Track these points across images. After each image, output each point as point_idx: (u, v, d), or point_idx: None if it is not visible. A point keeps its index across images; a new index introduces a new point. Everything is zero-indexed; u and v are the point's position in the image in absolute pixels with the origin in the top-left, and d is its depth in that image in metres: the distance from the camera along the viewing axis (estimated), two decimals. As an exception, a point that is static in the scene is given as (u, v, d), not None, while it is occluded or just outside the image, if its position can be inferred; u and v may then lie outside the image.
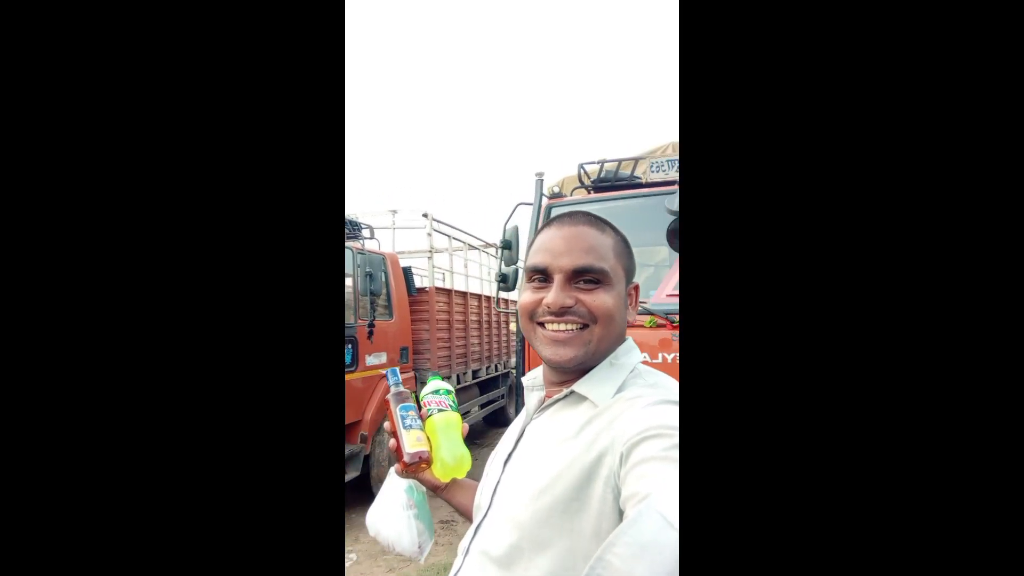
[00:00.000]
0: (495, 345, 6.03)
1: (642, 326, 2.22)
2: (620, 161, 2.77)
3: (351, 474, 3.45)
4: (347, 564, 2.92)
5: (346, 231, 3.83)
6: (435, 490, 0.83)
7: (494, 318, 6.02)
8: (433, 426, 0.80)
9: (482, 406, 5.51)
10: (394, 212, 5.02)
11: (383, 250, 4.26)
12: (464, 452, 0.79)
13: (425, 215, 4.60)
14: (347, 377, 3.35)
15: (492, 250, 6.53)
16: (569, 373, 0.65)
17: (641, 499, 0.46)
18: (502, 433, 0.79)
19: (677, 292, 2.34)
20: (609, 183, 2.76)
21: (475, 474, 0.78)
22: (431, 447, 0.78)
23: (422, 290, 4.50)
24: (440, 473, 0.78)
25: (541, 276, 0.65)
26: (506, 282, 2.80)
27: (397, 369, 0.89)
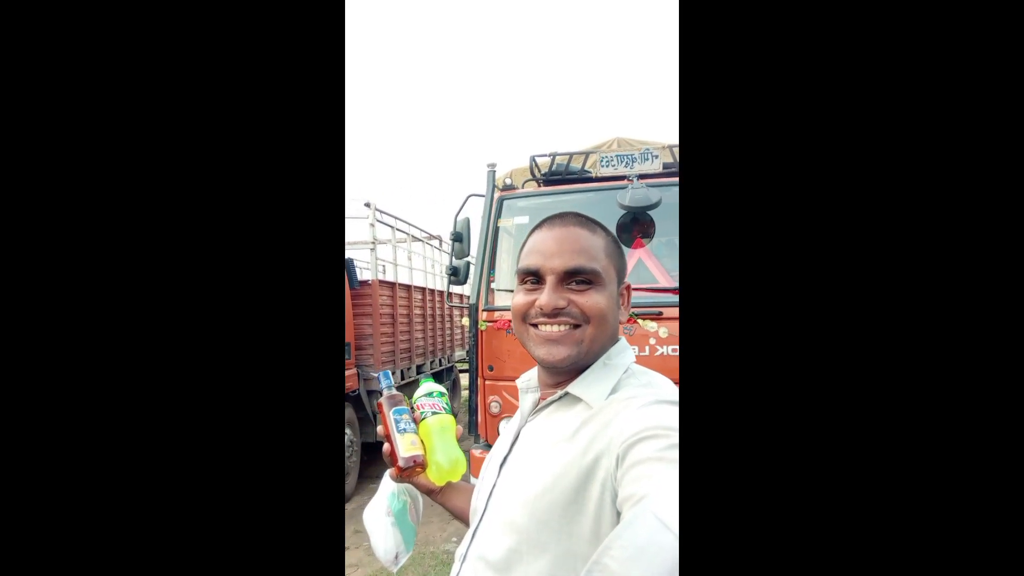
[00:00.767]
0: (439, 339, 5.95)
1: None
2: (571, 155, 2.78)
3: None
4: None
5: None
6: (430, 494, 0.81)
7: (438, 312, 5.92)
8: (427, 429, 0.78)
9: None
10: (334, 201, 4.76)
11: (323, 241, 4.04)
12: (459, 455, 0.77)
13: (367, 205, 4.42)
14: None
15: (436, 242, 6.41)
16: (563, 374, 0.65)
17: (637, 501, 0.46)
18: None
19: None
20: (560, 176, 2.77)
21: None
22: (426, 451, 0.76)
23: (364, 283, 4.33)
24: (435, 477, 0.77)
25: (533, 278, 0.65)
26: (457, 275, 2.75)
27: (389, 372, 0.87)
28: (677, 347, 2.26)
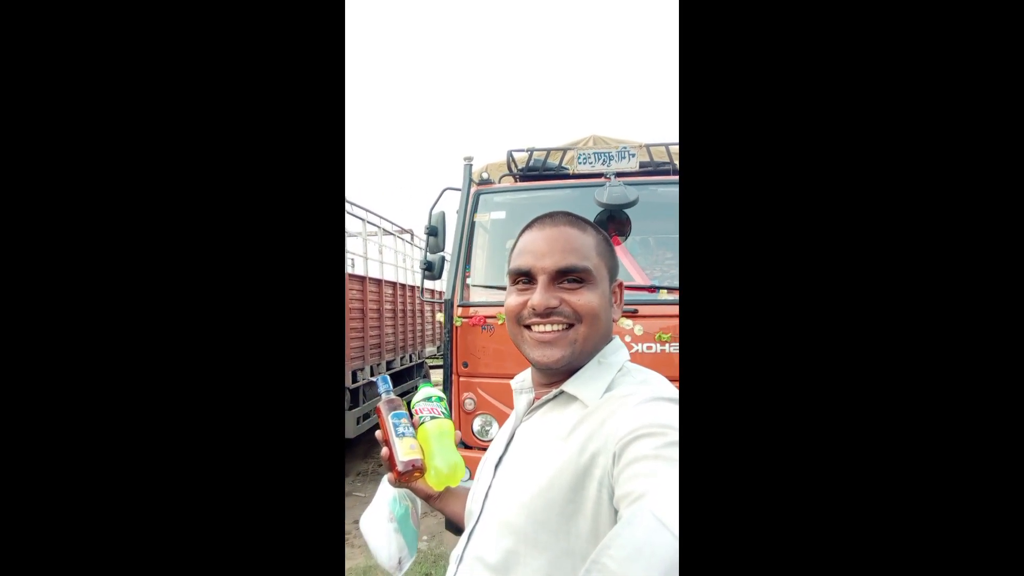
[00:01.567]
0: (410, 335, 5.87)
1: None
2: (549, 150, 2.77)
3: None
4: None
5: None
6: (428, 499, 0.80)
7: (409, 307, 5.84)
8: (426, 434, 0.77)
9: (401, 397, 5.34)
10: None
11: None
12: (458, 460, 0.76)
13: (338, 197, 4.31)
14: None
15: (408, 236, 6.31)
16: (557, 374, 0.65)
17: (635, 499, 0.46)
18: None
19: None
20: (537, 172, 2.75)
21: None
22: (424, 455, 0.76)
23: (334, 277, 4.22)
24: (434, 482, 0.76)
25: (525, 278, 0.65)
26: (431, 270, 2.70)
27: (387, 376, 0.84)
28: (652, 344, 2.28)
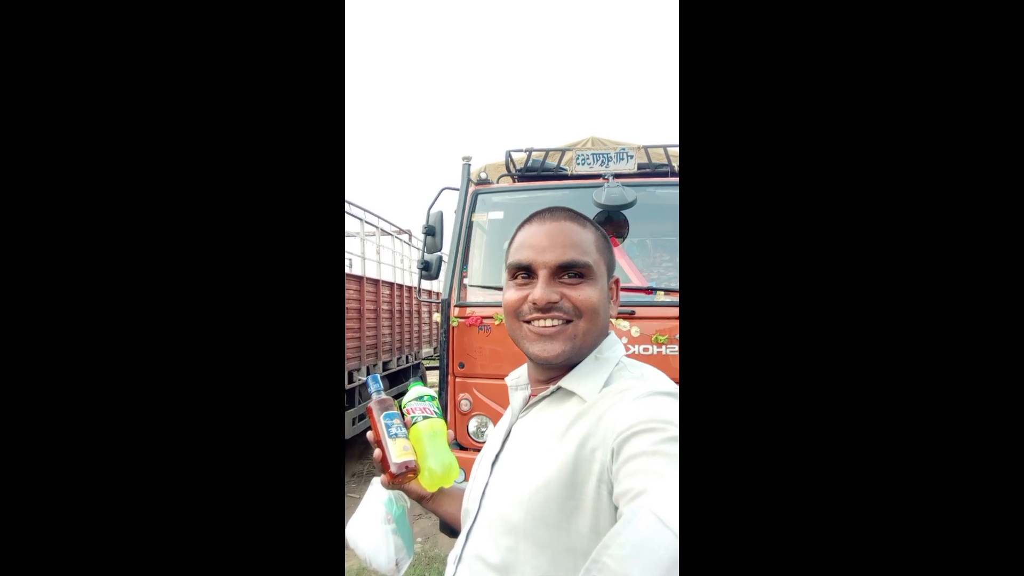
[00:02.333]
0: (407, 335, 5.85)
1: None
2: (547, 151, 2.76)
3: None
4: None
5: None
6: (421, 501, 0.79)
7: (406, 308, 5.83)
8: (419, 434, 0.76)
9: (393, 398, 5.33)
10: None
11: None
12: (452, 460, 0.76)
13: (335, 196, 4.30)
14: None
15: (406, 236, 6.30)
16: (555, 369, 0.65)
17: (634, 496, 0.46)
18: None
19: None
20: (536, 172, 2.75)
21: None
22: (418, 456, 0.74)
23: (331, 276, 4.21)
24: (428, 483, 0.75)
25: (525, 273, 0.65)
26: (429, 270, 2.69)
27: (378, 376, 0.83)
28: (649, 346, 2.27)
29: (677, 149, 2.69)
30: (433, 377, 6.21)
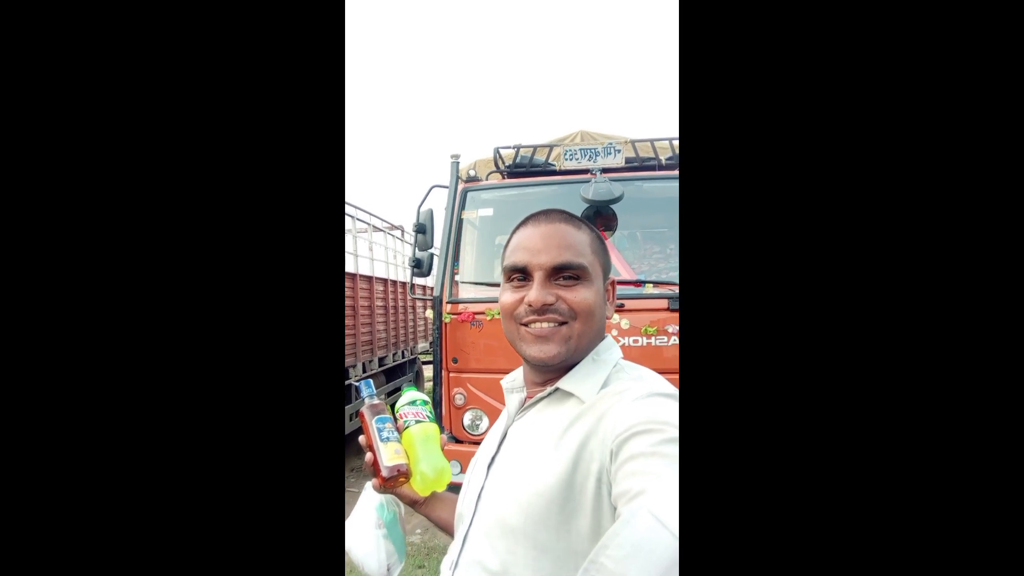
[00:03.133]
0: (401, 331, 5.88)
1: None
2: (535, 147, 2.79)
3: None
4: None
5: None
6: (413, 505, 0.79)
7: (400, 303, 5.85)
8: (411, 438, 0.76)
9: (388, 394, 5.36)
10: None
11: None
12: (444, 464, 0.75)
13: (327, 194, 4.30)
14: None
15: (399, 233, 6.31)
16: (552, 371, 0.65)
17: (632, 497, 0.46)
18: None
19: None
20: (524, 168, 2.77)
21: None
22: (409, 460, 0.74)
23: (324, 274, 4.22)
24: (420, 487, 0.75)
25: (520, 275, 0.65)
26: (420, 267, 2.72)
27: (371, 381, 0.82)
28: (639, 338, 2.32)
29: (664, 142, 2.73)
30: (429, 372, 6.24)
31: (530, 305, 0.63)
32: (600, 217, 2.53)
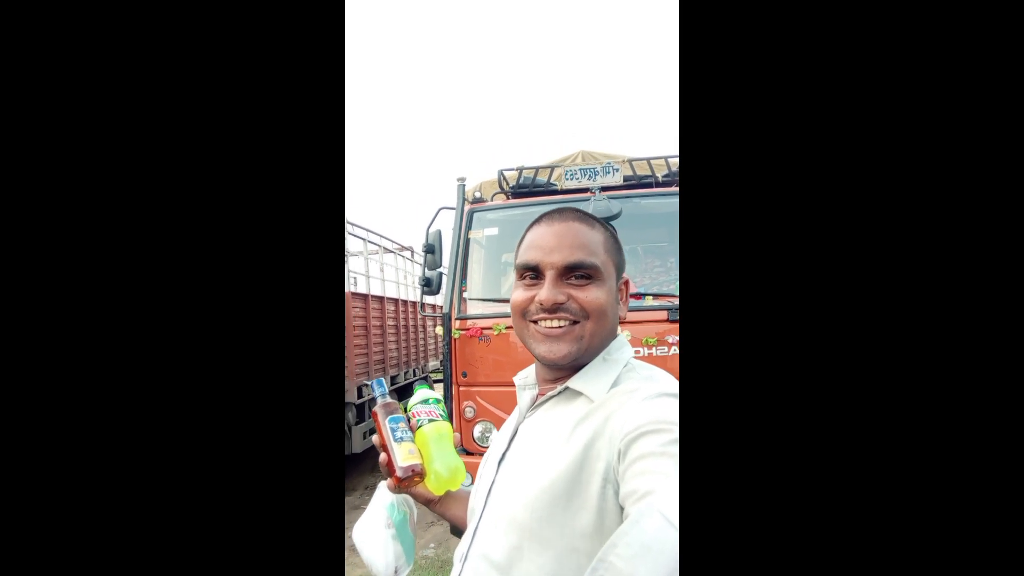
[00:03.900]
0: (412, 350, 5.97)
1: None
2: (537, 168, 2.91)
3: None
4: None
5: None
6: (429, 504, 0.79)
7: (411, 322, 5.96)
8: (424, 437, 0.76)
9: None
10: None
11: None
12: (459, 463, 0.75)
13: (339, 218, 4.46)
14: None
15: (408, 253, 6.46)
16: (562, 370, 0.65)
17: (640, 496, 0.46)
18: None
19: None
20: (527, 189, 2.89)
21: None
22: (424, 459, 0.74)
23: (337, 295, 4.35)
24: (434, 486, 0.74)
25: (532, 273, 0.65)
26: (430, 286, 2.83)
27: (383, 380, 0.83)
28: (639, 348, 2.40)
29: (661, 160, 2.84)
30: (441, 389, 6.29)
31: (541, 304, 0.62)
32: (601, 233, 2.63)
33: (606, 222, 0.67)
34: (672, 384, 0.60)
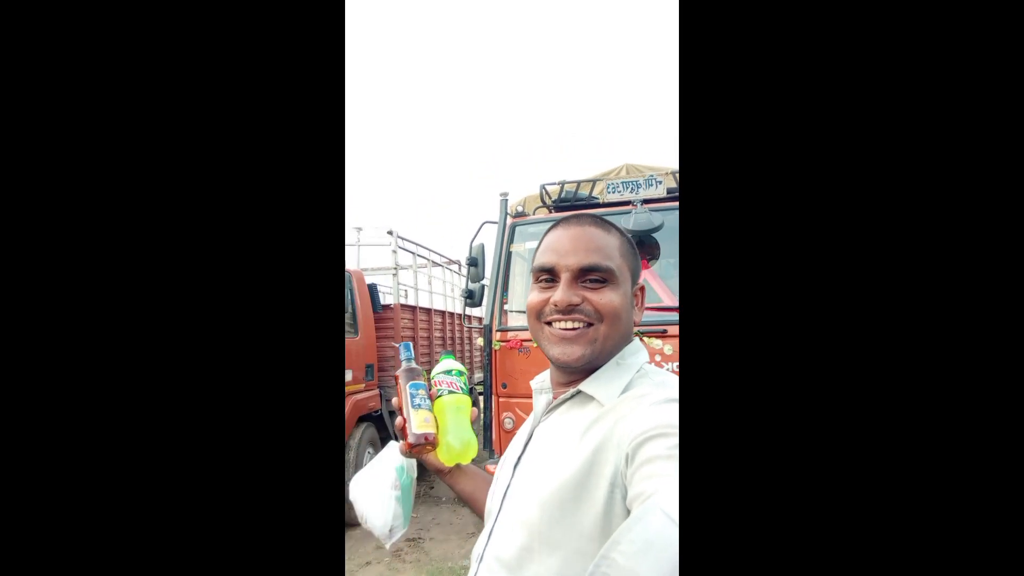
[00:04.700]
0: (460, 361, 6.05)
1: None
2: (579, 182, 2.93)
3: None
4: None
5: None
6: (439, 473, 0.82)
7: (458, 334, 6.06)
8: (442, 407, 0.76)
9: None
10: (359, 230, 5.04)
11: (349, 267, 4.27)
12: (471, 437, 0.76)
13: (390, 232, 4.64)
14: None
15: (455, 267, 6.60)
16: (576, 373, 0.66)
17: (646, 499, 0.46)
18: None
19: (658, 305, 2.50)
20: (569, 203, 2.92)
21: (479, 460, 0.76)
22: (438, 429, 0.75)
23: (387, 307, 4.51)
24: (445, 457, 0.75)
25: (548, 276, 0.66)
26: (472, 298, 2.89)
27: (410, 344, 0.85)
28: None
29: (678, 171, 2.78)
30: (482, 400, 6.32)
31: (556, 305, 0.63)
32: (643, 247, 2.62)
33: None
34: None
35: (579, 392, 0.64)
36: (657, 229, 2.48)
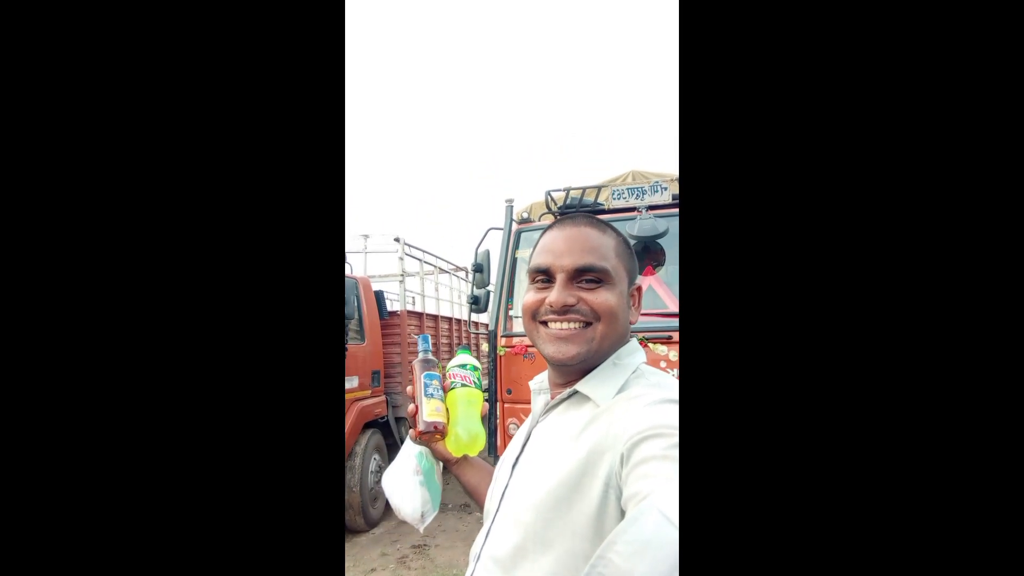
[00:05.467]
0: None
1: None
2: (584, 189, 2.94)
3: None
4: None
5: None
6: (446, 463, 0.84)
7: (464, 341, 6.08)
8: (454, 399, 0.79)
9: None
10: (366, 237, 5.08)
11: (355, 274, 4.30)
12: (480, 431, 0.79)
13: (397, 240, 4.67)
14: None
15: (462, 273, 6.63)
16: (572, 372, 0.66)
17: (642, 499, 0.46)
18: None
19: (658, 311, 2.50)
20: (574, 209, 2.92)
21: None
22: (448, 420, 0.78)
23: (394, 313, 4.53)
24: (453, 447, 0.78)
25: (544, 276, 0.66)
26: (478, 304, 2.90)
27: (428, 336, 0.88)
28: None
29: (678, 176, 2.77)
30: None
31: (551, 305, 0.63)
32: (649, 253, 2.62)
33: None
34: (678, 391, 0.60)
35: (575, 392, 0.64)
36: (662, 235, 2.48)
